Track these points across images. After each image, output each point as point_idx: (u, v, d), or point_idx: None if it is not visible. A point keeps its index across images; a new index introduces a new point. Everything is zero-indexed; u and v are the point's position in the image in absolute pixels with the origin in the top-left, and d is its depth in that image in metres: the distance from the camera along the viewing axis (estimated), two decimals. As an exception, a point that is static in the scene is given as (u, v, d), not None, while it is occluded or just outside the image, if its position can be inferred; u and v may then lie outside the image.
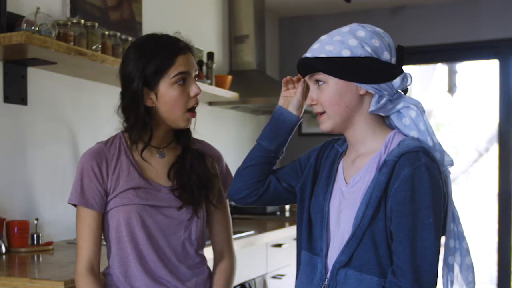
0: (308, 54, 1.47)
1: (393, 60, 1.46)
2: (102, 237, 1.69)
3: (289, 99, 1.62)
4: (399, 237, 1.35)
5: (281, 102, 1.63)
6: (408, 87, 1.49)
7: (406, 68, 1.49)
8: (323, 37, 1.47)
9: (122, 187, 1.62)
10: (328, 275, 1.45)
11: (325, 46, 1.44)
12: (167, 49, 1.61)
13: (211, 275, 1.78)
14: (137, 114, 1.61)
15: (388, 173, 1.37)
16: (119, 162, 1.64)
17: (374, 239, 1.38)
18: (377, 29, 1.48)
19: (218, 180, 1.74)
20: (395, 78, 1.44)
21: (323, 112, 1.47)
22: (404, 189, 1.35)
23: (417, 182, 1.34)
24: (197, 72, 1.66)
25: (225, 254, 1.81)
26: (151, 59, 1.59)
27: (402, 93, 1.48)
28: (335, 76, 1.43)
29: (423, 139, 1.45)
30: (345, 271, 1.41)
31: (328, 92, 1.45)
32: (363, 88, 1.43)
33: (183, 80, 1.61)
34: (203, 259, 1.77)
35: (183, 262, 1.69)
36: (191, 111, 1.65)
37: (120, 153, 1.66)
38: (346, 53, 1.42)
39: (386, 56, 1.44)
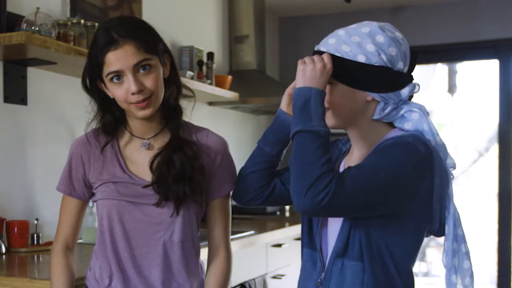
0: (322, 48, 1.42)
1: (405, 69, 1.42)
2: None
3: None
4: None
5: (285, 102, 1.58)
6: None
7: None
8: (340, 32, 1.41)
9: (103, 179, 1.59)
10: (325, 268, 1.45)
11: (342, 45, 1.39)
12: (98, 47, 1.50)
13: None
14: (96, 103, 1.61)
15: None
16: (105, 152, 1.61)
17: (365, 226, 1.36)
18: (397, 34, 1.41)
19: (201, 174, 1.58)
20: (404, 87, 1.41)
21: (328, 109, 1.42)
22: (374, 150, 1.35)
23: (391, 146, 1.33)
24: (137, 62, 1.49)
25: (219, 252, 1.66)
26: (90, 56, 1.54)
27: (408, 100, 1.45)
28: (345, 83, 1.40)
29: (427, 138, 1.42)
30: (342, 261, 1.40)
31: (335, 93, 1.41)
32: (370, 95, 1.40)
33: (118, 77, 1.50)
34: (194, 268, 1.63)
35: (158, 267, 1.57)
36: (137, 103, 1.52)
37: (107, 143, 1.63)
38: (361, 59, 1.37)
39: (399, 65, 1.40)
